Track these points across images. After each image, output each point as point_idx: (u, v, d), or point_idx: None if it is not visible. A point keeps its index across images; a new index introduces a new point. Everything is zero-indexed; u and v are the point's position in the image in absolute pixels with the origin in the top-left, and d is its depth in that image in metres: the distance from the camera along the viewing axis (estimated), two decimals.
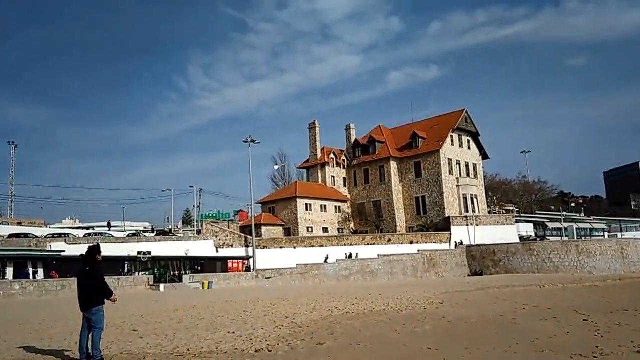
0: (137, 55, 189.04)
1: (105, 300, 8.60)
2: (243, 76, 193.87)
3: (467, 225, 56.18)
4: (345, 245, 52.24)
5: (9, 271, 36.75)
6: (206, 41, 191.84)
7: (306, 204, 61.41)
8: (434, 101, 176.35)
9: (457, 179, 61.23)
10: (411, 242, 52.92)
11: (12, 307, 23.46)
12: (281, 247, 51.42)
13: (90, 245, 9.27)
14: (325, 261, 47.83)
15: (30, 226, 62.33)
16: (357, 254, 49.49)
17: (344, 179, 68.44)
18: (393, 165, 63.34)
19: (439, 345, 9.67)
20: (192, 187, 73.13)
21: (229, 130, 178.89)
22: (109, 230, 63.30)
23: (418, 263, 49.24)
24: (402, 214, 62.64)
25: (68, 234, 51.81)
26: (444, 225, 56.93)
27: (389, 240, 53.61)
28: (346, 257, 48.91)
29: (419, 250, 50.61)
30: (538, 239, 62.74)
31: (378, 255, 48.47)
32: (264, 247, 50.51)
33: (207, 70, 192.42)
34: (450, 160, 61.26)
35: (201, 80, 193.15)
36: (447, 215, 57.82)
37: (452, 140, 62.12)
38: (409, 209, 62.45)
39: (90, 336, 8.44)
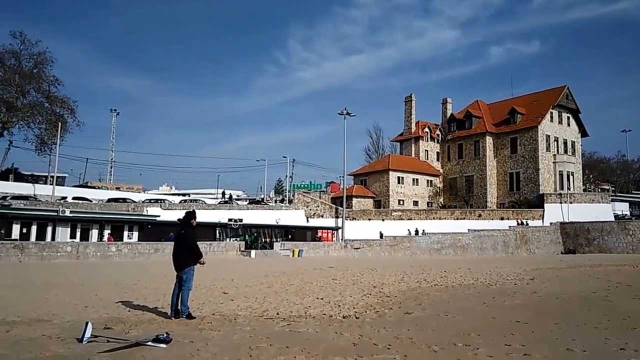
0: (239, 29, 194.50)
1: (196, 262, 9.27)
2: (341, 50, 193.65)
3: (561, 202, 53.91)
4: (433, 219, 52.03)
5: (106, 233, 38.38)
6: (308, 14, 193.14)
7: (398, 177, 61.51)
8: (534, 77, 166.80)
9: (554, 155, 59.11)
10: (502, 218, 51.73)
11: (109, 267, 24.52)
12: (369, 219, 52.06)
13: (187, 210, 10.00)
14: (417, 233, 47.95)
15: (128, 191, 64.98)
16: (423, 230, 48.71)
17: (437, 153, 67.69)
18: (489, 140, 61.79)
19: (528, 319, 9.60)
20: (285, 157, 74.91)
21: (324, 103, 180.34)
22: (228, 199, 64.54)
23: (509, 239, 48.18)
24: (494, 190, 61.18)
25: (164, 200, 53.93)
26: (537, 202, 55.16)
27: (479, 215, 52.73)
28: (414, 233, 48.35)
29: (510, 227, 49.44)
30: (633, 218, 59.00)
31: (468, 230, 47.87)
32: (354, 219, 51.39)
33: (306, 43, 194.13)
34: (548, 136, 59.01)
35: (300, 53, 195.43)
36: (541, 192, 55.91)
37: (551, 117, 59.88)
38: (502, 185, 60.87)
39: (180, 294, 9.12)
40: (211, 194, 79.55)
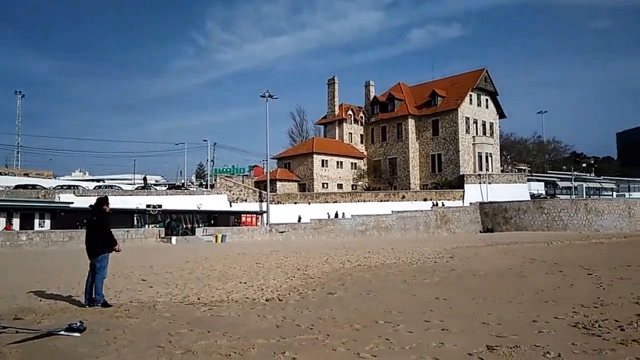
0: (153, 9, 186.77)
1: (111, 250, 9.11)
2: (262, 31, 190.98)
3: (480, 183, 56.25)
4: (358, 201, 52.70)
5: (15, 222, 36.87)
6: None
7: (322, 160, 61.67)
8: (454, 60, 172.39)
9: (474, 137, 61.15)
10: (425, 199, 53.26)
11: (19, 257, 23.65)
12: (295, 203, 51.98)
13: (99, 197, 9.73)
14: (336, 216, 48.40)
15: (38, 177, 62.15)
16: (343, 212, 49.30)
17: (361, 135, 68.35)
18: (411, 122, 63.10)
19: (446, 295, 9.96)
20: (206, 140, 72.85)
21: (246, 86, 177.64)
22: (145, 184, 62.85)
23: (431, 219, 49.74)
24: (417, 172, 62.80)
25: (77, 186, 51.90)
26: (458, 183, 57.12)
27: (403, 197, 53.99)
28: (334, 216, 48.71)
29: (432, 207, 51.02)
30: (548, 197, 62.90)
31: (392, 211, 48.92)
32: (278, 202, 51.12)
33: (226, 25, 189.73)
34: (467, 118, 60.98)
35: (219, 34, 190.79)
36: (461, 173, 57.94)
37: (470, 99, 61.77)
38: (424, 167, 62.57)
39: (94, 282, 8.96)
40: (128, 179, 77.26)
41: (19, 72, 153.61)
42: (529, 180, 64.60)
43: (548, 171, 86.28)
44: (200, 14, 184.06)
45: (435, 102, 62.62)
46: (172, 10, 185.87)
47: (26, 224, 36.87)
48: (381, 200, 52.91)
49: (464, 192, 55.15)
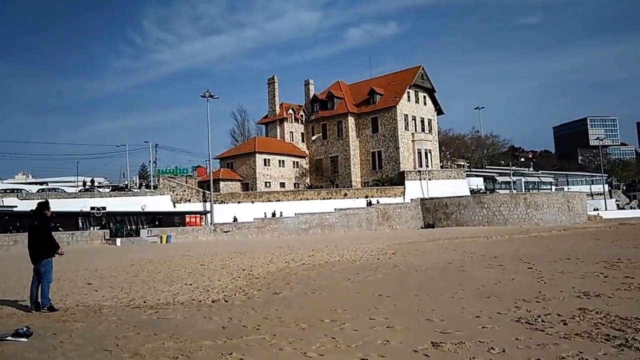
0: (91, 9, 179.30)
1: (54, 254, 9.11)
2: (200, 30, 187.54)
3: (421, 179, 57.44)
4: (301, 199, 52.69)
5: None
6: None
7: (265, 159, 61.31)
8: (392, 58, 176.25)
9: (413, 134, 62.25)
10: (366, 197, 53.84)
11: None
12: (239, 202, 51.42)
13: (40, 201, 9.68)
14: (273, 216, 48.24)
15: None
16: (280, 212, 49.43)
17: (302, 134, 68.35)
18: (351, 120, 63.61)
19: (390, 292, 10.06)
20: (147, 142, 71.11)
21: (186, 86, 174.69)
22: (90, 186, 61.96)
23: (372, 216, 50.29)
24: (358, 169, 63.42)
25: (20, 190, 51.61)
26: (399, 179, 58.06)
27: (345, 194, 54.36)
28: (266, 217, 48.51)
29: (372, 204, 51.58)
30: (488, 192, 64.91)
31: (335, 209, 49.19)
32: (222, 202, 50.48)
33: (162, 23, 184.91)
34: (406, 115, 61.98)
35: (156, 33, 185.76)
36: (401, 170, 58.87)
37: (408, 96, 62.75)
38: (365, 164, 63.25)
39: (39, 287, 8.92)
40: (71, 181, 76.31)
41: None
42: (468, 175, 66.47)
43: (487, 166, 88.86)
44: (136, 13, 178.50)
45: (374, 100, 63.34)
46: (109, 9, 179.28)
47: None
48: (324, 198, 53.06)
49: (404, 188, 56.13)
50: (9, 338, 6.50)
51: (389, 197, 54.71)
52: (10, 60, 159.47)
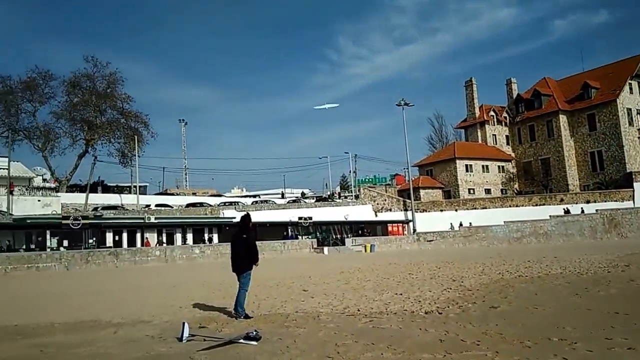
0: (287, 31, 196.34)
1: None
2: (393, 41, 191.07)
3: None
4: (510, 206, 50.29)
5: (189, 237, 40.90)
6: (355, 9, 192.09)
7: (466, 165, 59.82)
8: (604, 49, 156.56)
9: (639, 129, 55.02)
10: (587, 202, 49.11)
11: (195, 269, 25.90)
12: (441, 210, 51.00)
13: (243, 215, 10.01)
14: (460, 226, 46.56)
15: (204, 196, 67.74)
16: (470, 222, 47.05)
17: (507, 136, 65.22)
18: (562, 119, 58.81)
19: (628, 310, 8.98)
20: (347, 152, 74.75)
21: (381, 96, 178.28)
22: (300, 197, 66.91)
23: (597, 223, 45.67)
24: (575, 172, 58.18)
25: (238, 202, 56.28)
26: (624, 181, 51.97)
27: (561, 200, 50.39)
28: (458, 227, 46.68)
29: (597, 210, 46.81)
30: None
31: (550, 216, 45.82)
32: (424, 210, 50.56)
33: (357, 38, 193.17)
34: (629, 110, 55.47)
35: (351, 49, 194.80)
36: (628, 171, 52.56)
37: (630, 88, 56.24)
38: (583, 166, 57.79)
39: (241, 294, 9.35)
40: (277, 193, 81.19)
41: (174, 101, 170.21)
42: None
43: None
44: (332, 30, 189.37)
45: (589, 95, 57.82)
46: (307, 30, 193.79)
47: (197, 238, 40.87)
48: (536, 204, 49.95)
49: (633, 191, 49.97)
50: (242, 341, 6.93)
51: (615, 201, 49.20)
52: (223, 87, 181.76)
